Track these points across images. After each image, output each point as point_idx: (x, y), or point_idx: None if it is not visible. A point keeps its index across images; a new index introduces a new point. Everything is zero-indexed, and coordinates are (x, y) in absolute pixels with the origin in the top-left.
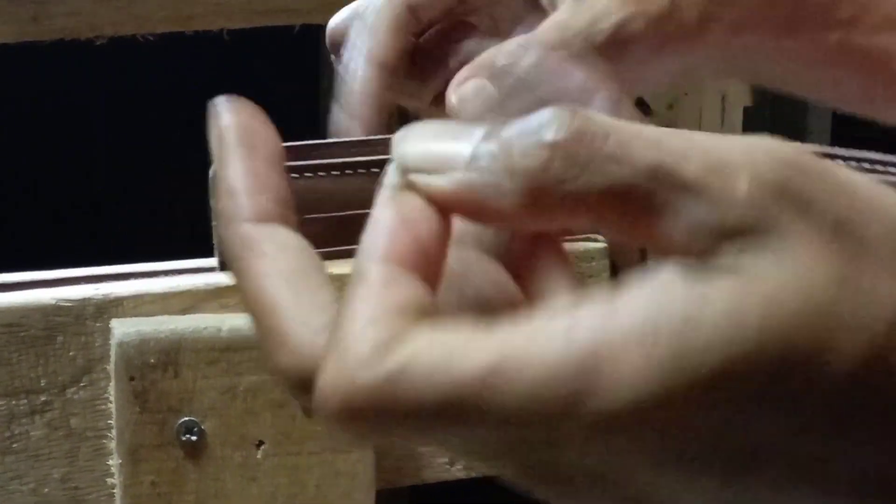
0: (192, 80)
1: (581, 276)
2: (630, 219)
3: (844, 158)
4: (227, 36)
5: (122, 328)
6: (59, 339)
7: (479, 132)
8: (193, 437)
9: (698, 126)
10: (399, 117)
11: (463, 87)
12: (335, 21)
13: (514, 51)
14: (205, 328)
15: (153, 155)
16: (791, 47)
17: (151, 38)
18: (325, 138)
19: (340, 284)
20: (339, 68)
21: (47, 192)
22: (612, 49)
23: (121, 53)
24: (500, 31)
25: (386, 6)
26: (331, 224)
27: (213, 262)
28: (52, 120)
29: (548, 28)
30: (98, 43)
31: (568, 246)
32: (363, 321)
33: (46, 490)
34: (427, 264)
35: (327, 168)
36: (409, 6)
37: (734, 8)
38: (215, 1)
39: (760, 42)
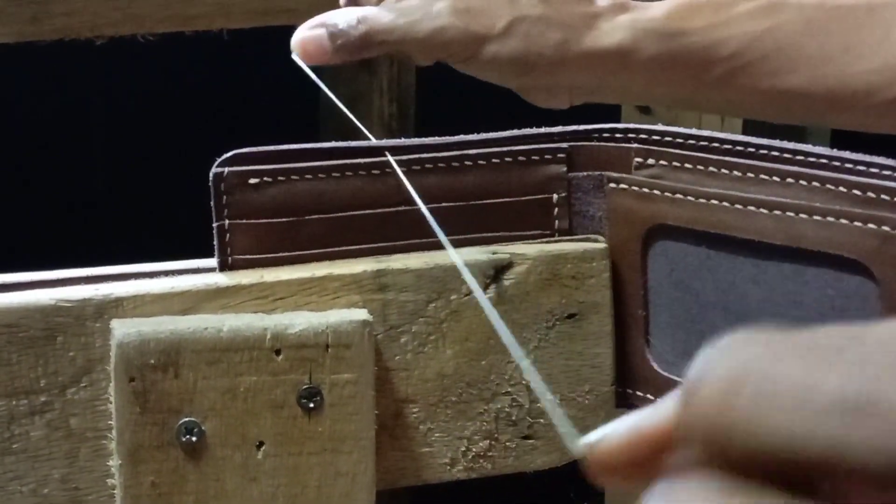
0: (192, 80)
1: (581, 277)
2: None
3: (853, 163)
4: (227, 36)
5: (123, 328)
6: (59, 339)
7: None
8: (194, 438)
9: (698, 126)
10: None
11: (307, 35)
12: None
13: (351, 20)
14: (205, 329)
15: (153, 155)
16: (674, 79)
17: (151, 38)
18: (325, 139)
19: (340, 285)
20: None
21: (47, 193)
22: (428, 48)
23: (121, 53)
24: None
25: None
26: (331, 224)
27: (213, 262)
28: (51, 120)
29: (380, 12)
30: (98, 43)
31: (567, 247)
32: None
33: (46, 491)
34: None
35: (328, 170)
36: None
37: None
38: (215, 1)
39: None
